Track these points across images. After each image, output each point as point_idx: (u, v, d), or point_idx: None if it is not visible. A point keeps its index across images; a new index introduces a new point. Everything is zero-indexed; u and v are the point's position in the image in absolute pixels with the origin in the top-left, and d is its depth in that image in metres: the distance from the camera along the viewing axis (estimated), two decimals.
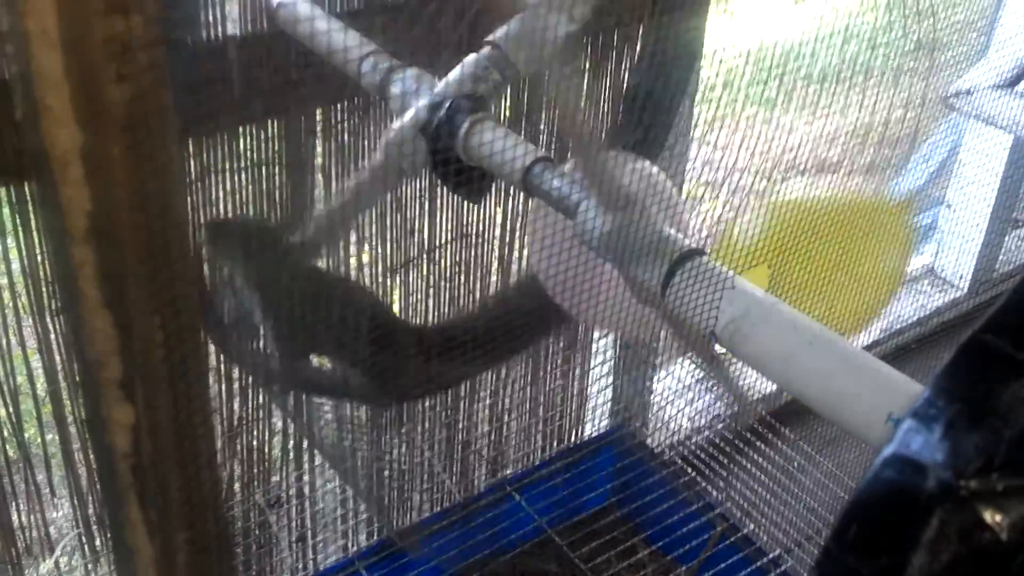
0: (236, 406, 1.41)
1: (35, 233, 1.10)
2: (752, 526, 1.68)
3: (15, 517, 1.28)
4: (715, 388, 1.87)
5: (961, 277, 2.46)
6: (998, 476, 0.40)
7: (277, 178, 1.25)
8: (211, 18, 1.08)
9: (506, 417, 1.76)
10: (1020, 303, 0.42)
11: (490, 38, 0.98)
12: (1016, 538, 0.40)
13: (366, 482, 1.57)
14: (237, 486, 1.48)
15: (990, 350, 0.41)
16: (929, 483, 0.40)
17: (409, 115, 0.97)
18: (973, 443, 0.40)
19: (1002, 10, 1.91)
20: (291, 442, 1.52)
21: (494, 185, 1.47)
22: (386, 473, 1.65)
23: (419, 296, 1.50)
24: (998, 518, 0.40)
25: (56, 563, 1.42)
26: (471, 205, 1.47)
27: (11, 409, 1.21)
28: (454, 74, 0.98)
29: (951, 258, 2.46)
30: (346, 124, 1.28)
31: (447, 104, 0.96)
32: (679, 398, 1.87)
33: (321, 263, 1.11)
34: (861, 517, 0.42)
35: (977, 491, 0.40)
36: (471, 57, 0.98)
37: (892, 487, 0.42)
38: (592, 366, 1.81)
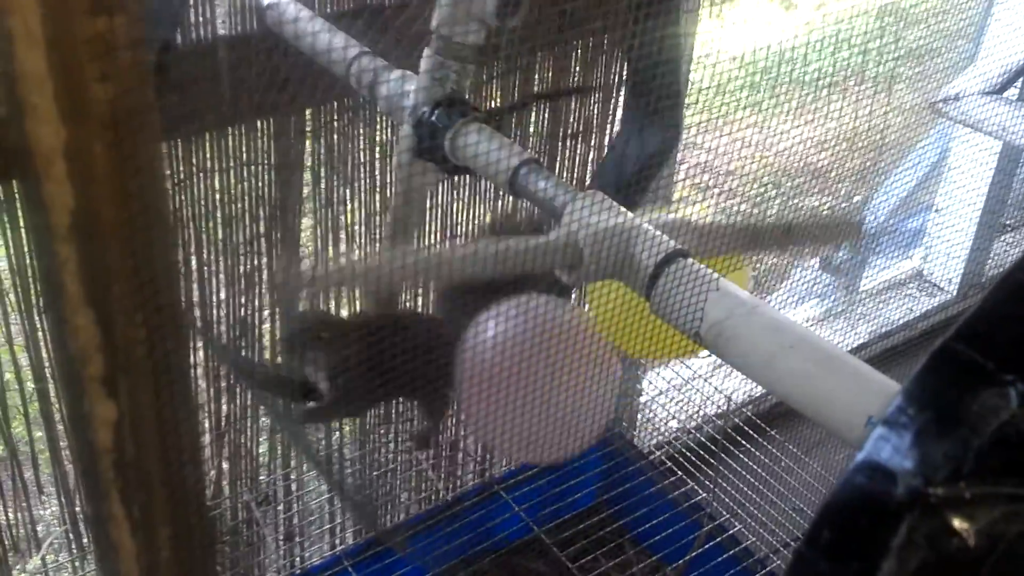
0: (224, 405, 1.41)
1: (23, 230, 1.10)
2: (739, 526, 1.68)
3: (2, 514, 1.28)
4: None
5: (949, 281, 2.47)
6: (966, 484, 0.40)
7: (266, 177, 1.25)
8: (200, 18, 1.08)
9: None
10: (990, 313, 0.42)
11: (432, 26, 0.98)
12: (984, 544, 0.40)
13: (351, 487, 1.58)
14: (225, 483, 1.48)
15: (960, 359, 0.42)
16: (899, 490, 0.41)
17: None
18: (942, 451, 0.41)
19: (990, 17, 1.92)
20: (278, 441, 1.52)
21: (481, 186, 1.48)
22: (374, 473, 1.66)
23: (407, 295, 1.50)
24: (966, 525, 0.40)
25: (43, 560, 1.42)
26: (460, 206, 1.47)
27: None
28: (421, 79, 0.98)
29: (939, 262, 2.47)
30: (335, 124, 1.29)
31: (433, 108, 0.97)
32: (667, 398, 1.87)
33: None
34: (833, 522, 0.43)
35: (946, 498, 0.40)
36: (425, 57, 0.98)
37: (863, 493, 0.42)
38: None
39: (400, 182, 1.07)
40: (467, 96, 1.00)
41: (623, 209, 0.93)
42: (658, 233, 0.92)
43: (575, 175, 1.56)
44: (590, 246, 0.91)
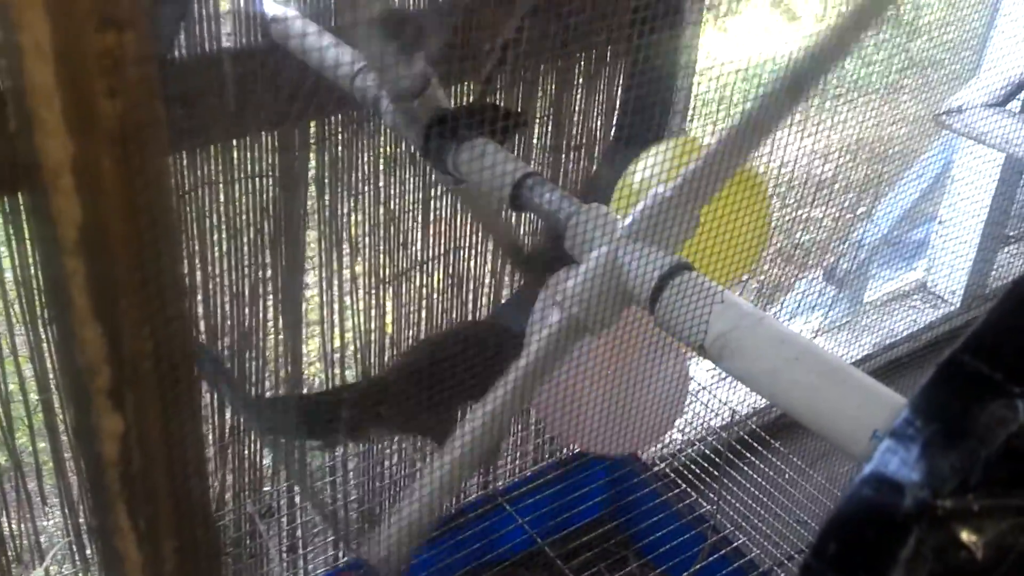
0: (227, 417, 1.41)
1: (28, 242, 1.10)
2: (743, 539, 1.68)
3: (6, 525, 1.28)
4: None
5: (953, 292, 2.47)
6: (974, 496, 0.40)
7: (271, 190, 1.26)
8: (206, 32, 1.09)
9: None
10: (996, 325, 0.42)
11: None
12: (991, 556, 0.40)
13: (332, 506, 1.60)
14: (228, 495, 1.48)
15: (967, 371, 0.42)
16: (906, 502, 0.41)
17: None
18: (949, 463, 0.41)
19: (994, 29, 1.92)
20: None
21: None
22: (378, 484, 1.66)
23: (412, 308, 1.50)
24: (974, 537, 0.40)
25: (46, 571, 1.42)
26: (463, 219, 1.48)
27: (2, 417, 1.21)
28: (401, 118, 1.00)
29: (943, 274, 2.47)
30: (340, 136, 1.29)
31: (427, 135, 0.98)
32: None
33: None
34: (840, 535, 0.43)
35: (953, 510, 0.40)
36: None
37: (870, 505, 0.42)
38: None
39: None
40: (448, 106, 1.01)
41: (626, 221, 0.93)
42: (660, 247, 0.92)
43: (578, 188, 1.56)
44: (586, 302, 0.91)
